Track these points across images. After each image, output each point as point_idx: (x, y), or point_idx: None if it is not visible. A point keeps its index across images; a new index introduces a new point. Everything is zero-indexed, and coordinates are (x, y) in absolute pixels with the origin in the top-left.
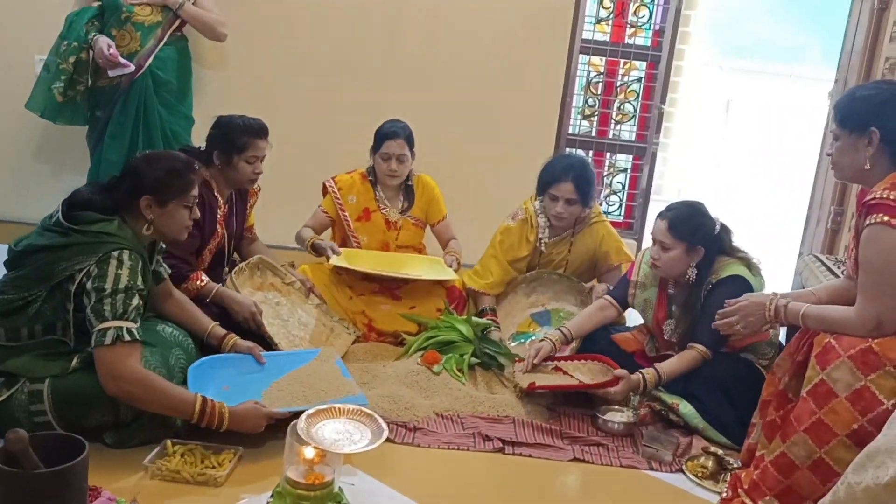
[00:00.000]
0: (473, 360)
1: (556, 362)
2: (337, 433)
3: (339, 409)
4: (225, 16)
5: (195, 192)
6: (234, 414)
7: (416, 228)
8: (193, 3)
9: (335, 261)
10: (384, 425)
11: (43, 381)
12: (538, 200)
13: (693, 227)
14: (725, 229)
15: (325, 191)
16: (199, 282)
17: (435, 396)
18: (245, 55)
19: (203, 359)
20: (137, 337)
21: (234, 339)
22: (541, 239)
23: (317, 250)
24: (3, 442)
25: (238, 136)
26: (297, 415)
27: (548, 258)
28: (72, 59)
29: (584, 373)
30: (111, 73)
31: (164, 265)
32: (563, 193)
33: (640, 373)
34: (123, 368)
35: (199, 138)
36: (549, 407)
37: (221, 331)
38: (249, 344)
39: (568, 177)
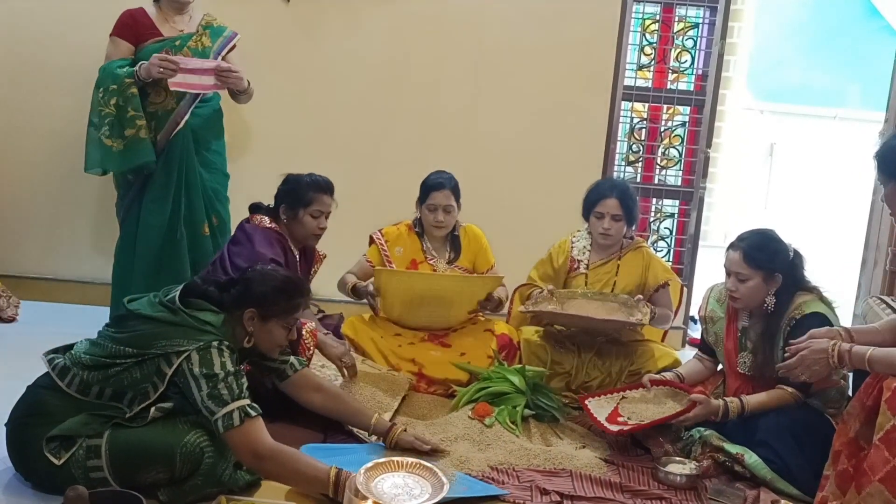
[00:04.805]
0: (527, 411)
1: (622, 392)
2: (396, 487)
3: (398, 462)
4: (244, 72)
5: (299, 314)
6: None
7: None
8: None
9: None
10: (444, 479)
11: (101, 436)
12: (580, 231)
13: (769, 254)
14: (799, 256)
15: (371, 242)
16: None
17: (489, 450)
18: (286, 109)
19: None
20: (259, 410)
21: (400, 429)
22: (580, 261)
23: (357, 294)
24: (63, 499)
25: (305, 191)
26: None
27: (594, 280)
28: (112, 102)
29: (650, 399)
30: (174, 85)
31: (292, 360)
32: (608, 210)
33: (724, 399)
34: (260, 446)
35: (235, 195)
36: (607, 459)
37: (386, 422)
38: (411, 439)
39: (612, 193)
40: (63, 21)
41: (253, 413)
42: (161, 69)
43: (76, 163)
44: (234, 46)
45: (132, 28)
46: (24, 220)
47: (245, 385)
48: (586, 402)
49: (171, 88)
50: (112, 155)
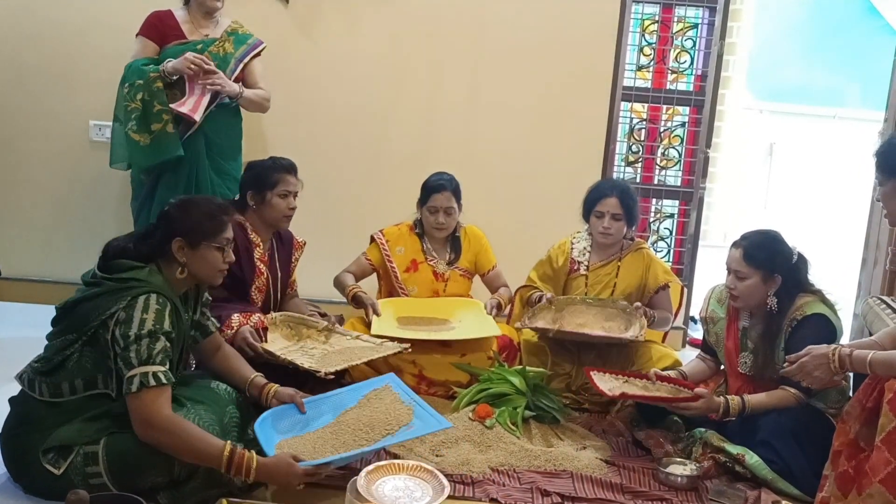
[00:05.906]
0: (527, 413)
1: (627, 377)
2: (397, 490)
3: (400, 465)
4: (266, 81)
5: (228, 234)
6: (262, 466)
7: (463, 279)
8: (244, 69)
9: (375, 329)
10: (445, 482)
11: (98, 442)
12: (580, 232)
13: (769, 254)
14: (803, 259)
15: (372, 241)
16: (229, 330)
17: (490, 451)
18: (289, 112)
19: (263, 414)
20: (164, 380)
21: (273, 387)
22: (580, 262)
23: (357, 303)
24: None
25: (269, 174)
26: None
27: (594, 281)
28: (139, 97)
29: (651, 391)
30: (178, 105)
31: (212, 319)
32: (608, 208)
33: (725, 397)
34: (153, 415)
35: None
36: (608, 460)
37: (262, 380)
38: (290, 391)
39: (613, 193)
40: (87, 21)
41: (153, 382)
42: (192, 66)
43: (85, 165)
44: (257, 54)
45: (158, 29)
46: (38, 224)
47: (158, 351)
48: (591, 373)
49: (169, 104)
50: (139, 149)
